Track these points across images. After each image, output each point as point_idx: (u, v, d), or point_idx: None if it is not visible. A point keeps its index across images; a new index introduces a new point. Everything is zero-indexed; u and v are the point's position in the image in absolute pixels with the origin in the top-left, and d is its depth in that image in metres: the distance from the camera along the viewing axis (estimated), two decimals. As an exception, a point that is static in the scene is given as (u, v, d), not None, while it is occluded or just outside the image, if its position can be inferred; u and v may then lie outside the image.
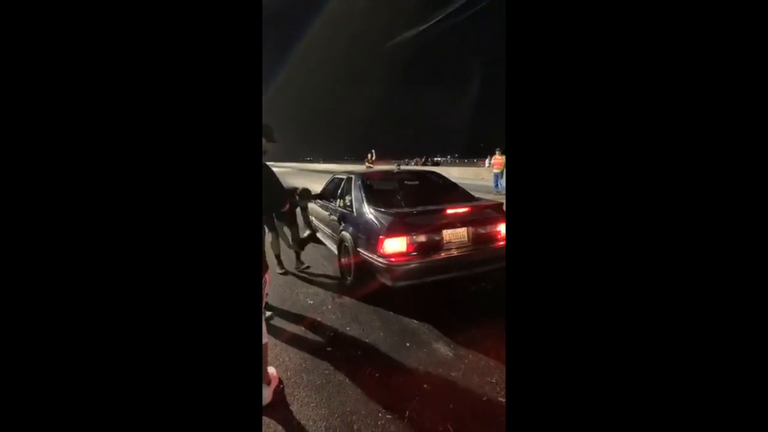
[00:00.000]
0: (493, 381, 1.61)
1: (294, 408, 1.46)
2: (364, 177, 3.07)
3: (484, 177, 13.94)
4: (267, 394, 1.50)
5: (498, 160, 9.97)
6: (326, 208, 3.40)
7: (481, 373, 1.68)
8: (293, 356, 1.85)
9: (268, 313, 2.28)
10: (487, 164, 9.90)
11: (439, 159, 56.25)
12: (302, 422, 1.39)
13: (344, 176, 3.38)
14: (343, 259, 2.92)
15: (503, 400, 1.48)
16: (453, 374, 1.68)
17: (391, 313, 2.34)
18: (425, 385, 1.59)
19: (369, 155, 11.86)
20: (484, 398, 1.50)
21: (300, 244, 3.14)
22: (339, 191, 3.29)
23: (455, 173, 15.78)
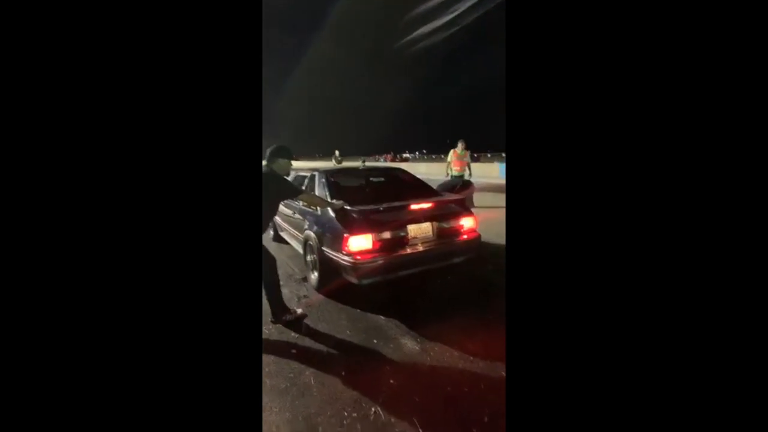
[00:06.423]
0: (458, 372, 1.66)
1: (256, 415, 1.41)
2: (328, 174, 3.02)
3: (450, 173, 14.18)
4: None
5: (460, 156, 6.26)
6: (290, 207, 3.30)
7: (446, 364, 1.72)
8: (256, 361, 1.78)
9: None
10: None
11: (407, 155, 57.04)
12: (264, 429, 1.34)
13: (308, 174, 3.30)
14: (308, 258, 2.86)
15: (467, 389, 1.53)
16: (419, 368, 1.70)
17: (358, 310, 2.33)
18: (392, 381, 1.60)
19: (336, 152, 11.81)
20: (449, 389, 1.53)
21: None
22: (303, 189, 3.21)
23: (422, 169, 16.05)
